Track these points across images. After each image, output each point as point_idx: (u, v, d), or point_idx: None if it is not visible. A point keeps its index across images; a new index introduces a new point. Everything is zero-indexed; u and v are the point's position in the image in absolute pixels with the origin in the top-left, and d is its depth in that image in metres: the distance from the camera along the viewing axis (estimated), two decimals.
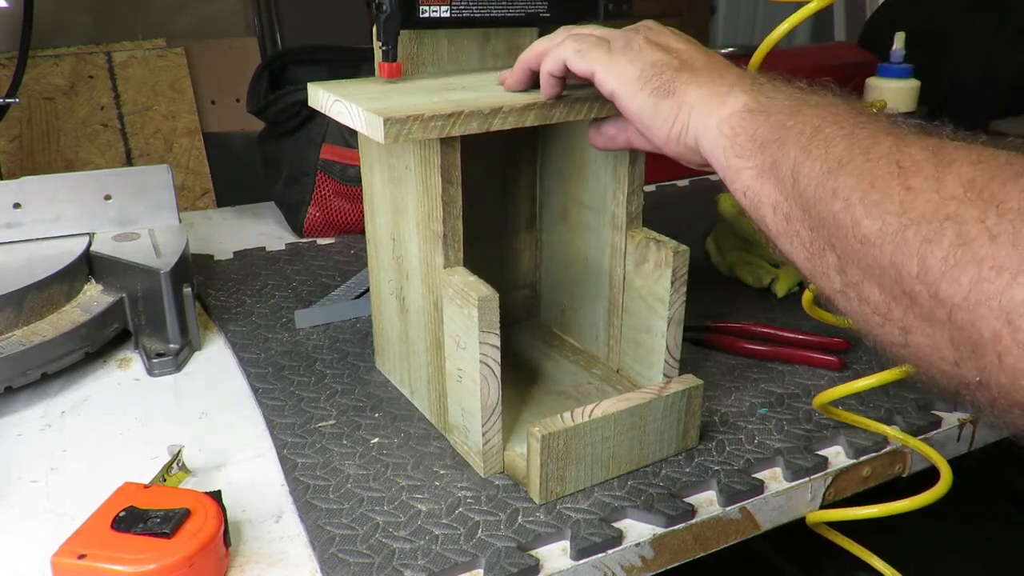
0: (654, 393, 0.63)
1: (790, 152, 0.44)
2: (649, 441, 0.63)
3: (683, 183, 1.38)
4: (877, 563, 0.71)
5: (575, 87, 0.61)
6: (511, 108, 0.58)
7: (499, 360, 0.59)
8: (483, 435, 0.61)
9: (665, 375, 0.69)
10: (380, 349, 0.77)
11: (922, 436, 0.70)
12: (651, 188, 1.32)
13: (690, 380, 0.65)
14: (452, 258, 0.62)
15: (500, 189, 0.79)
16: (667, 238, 0.67)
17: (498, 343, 0.59)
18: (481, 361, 0.58)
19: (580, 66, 0.57)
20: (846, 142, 0.42)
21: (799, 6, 0.59)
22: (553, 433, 0.58)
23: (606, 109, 0.62)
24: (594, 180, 0.71)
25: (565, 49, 0.58)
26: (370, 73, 0.70)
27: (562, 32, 0.60)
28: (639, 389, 0.64)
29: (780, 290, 0.93)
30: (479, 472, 0.62)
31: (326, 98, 0.63)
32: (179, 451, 0.63)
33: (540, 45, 0.60)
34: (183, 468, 0.63)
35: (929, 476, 0.66)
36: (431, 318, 0.65)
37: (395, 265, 0.69)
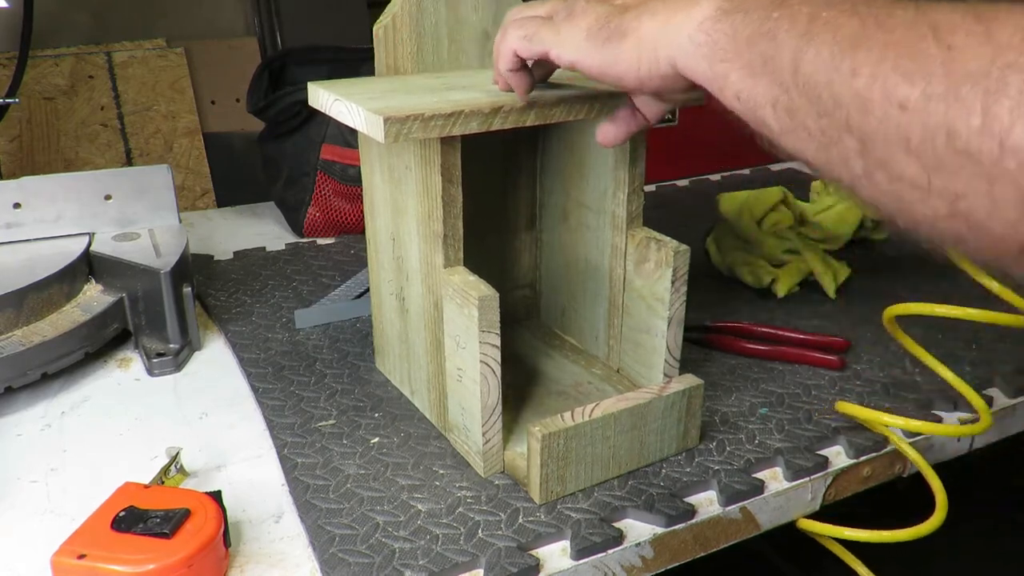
0: (654, 393, 0.63)
1: (787, 42, 0.41)
2: (649, 441, 0.63)
3: (683, 183, 1.38)
4: (863, 571, 0.72)
5: (542, 69, 0.61)
6: (511, 108, 0.58)
7: (499, 360, 0.59)
8: (483, 435, 0.61)
9: (665, 375, 0.69)
10: (380, 349, 0.77)
11: (922, 437, 0.70)
12: (651, 188, 1.32)
13: (690, 380, 0.65)
14: (452, 258, 0.62)
15: (500, 189, 0.79)
16: (667, 238, 0.67)
17: (498, 343, 0.59)
18: (481, 361, 0.58)
19: (532, 50, 0.56)
20: (855, 20, 0.39)
21: None
22: (553, 433, 0.58)
23: (607, 109, 0.62)
24: (594, 180, 0.71)
25: (511, 40, 0.56)
26: (370, 73, 0.70)
27: (507, 20, 0.58)
28: (639, 389, 0.64)
29: (780, 290, 0.93)
30: (479, 472, 0.62)
31: (326, 98, 0.63)
32: (177, 453, 0.63)
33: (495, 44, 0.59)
34: (181, 470, 0.63)
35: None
36: (431, 318, 0.65)
37: (395, 265, 0.69)
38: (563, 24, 0.54)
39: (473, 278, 0.60)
